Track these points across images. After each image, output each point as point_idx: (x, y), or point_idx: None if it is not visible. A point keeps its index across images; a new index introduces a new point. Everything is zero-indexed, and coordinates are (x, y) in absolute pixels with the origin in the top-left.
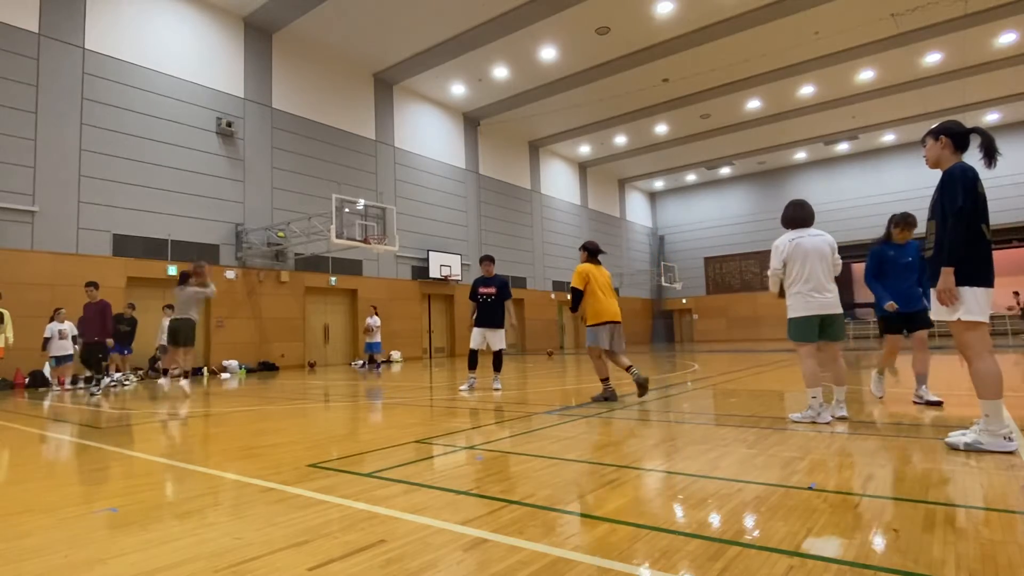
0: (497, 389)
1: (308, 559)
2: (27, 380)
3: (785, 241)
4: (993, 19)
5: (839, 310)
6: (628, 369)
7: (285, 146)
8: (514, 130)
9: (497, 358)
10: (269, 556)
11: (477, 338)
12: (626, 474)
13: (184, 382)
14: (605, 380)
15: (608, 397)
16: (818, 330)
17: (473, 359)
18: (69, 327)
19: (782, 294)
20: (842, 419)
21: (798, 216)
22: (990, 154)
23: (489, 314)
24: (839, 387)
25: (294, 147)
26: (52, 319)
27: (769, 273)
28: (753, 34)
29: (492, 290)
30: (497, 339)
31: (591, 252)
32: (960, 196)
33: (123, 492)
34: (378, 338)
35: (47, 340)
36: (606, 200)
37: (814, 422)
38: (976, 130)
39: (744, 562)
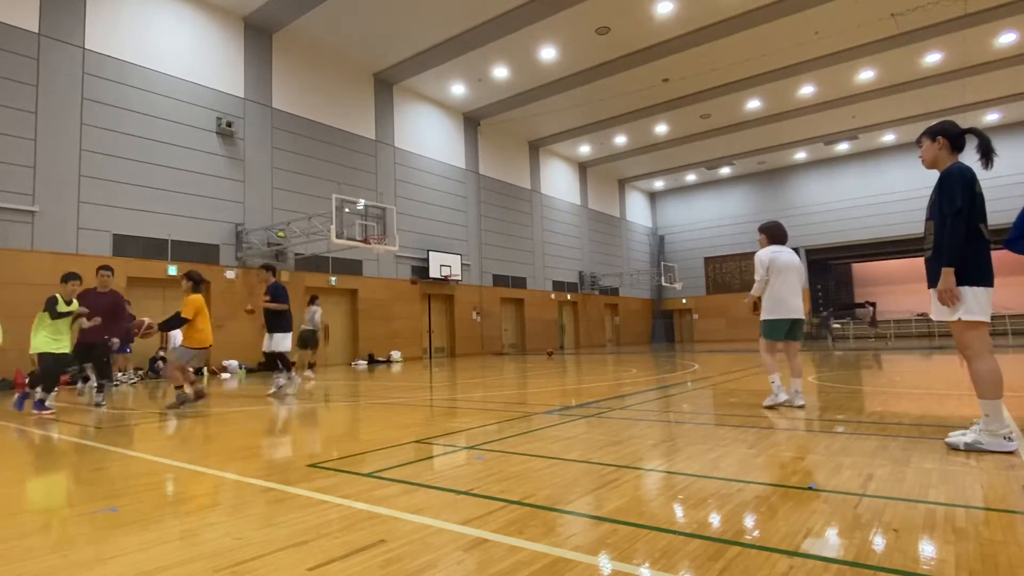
0: (282, 387)
1: (308, 559)
2: (27, 380)
3: (767, 255)
4: (993, 19)
5: (802, 316)
6: (193, 384)
7: (285, 146)
8: (514, 130)
9: (281, 359)
10: (269, 556)
11: (266, 341)
12: (626, 474)
13: (308, 372)
14: (180, 388)
15: (183, 402)
16: (785, 332)
17: (271, 360)
18: None
19: (756, 308)
20: (800, 407)
21: (778, 234)
22: (987, 154)
23: (269, 321)
24: (796, 378)
25: (294, 147)
26: None
27: (757, 279)
28: (753, 34)
29: (268, 298)
30: (276, 343)
31: (196, 282)
32: (958, 197)
33: (123, 492)
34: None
35: None
36: (606, 200)
37: (774, 403)
38: (972, 130)
39: (744, 562)
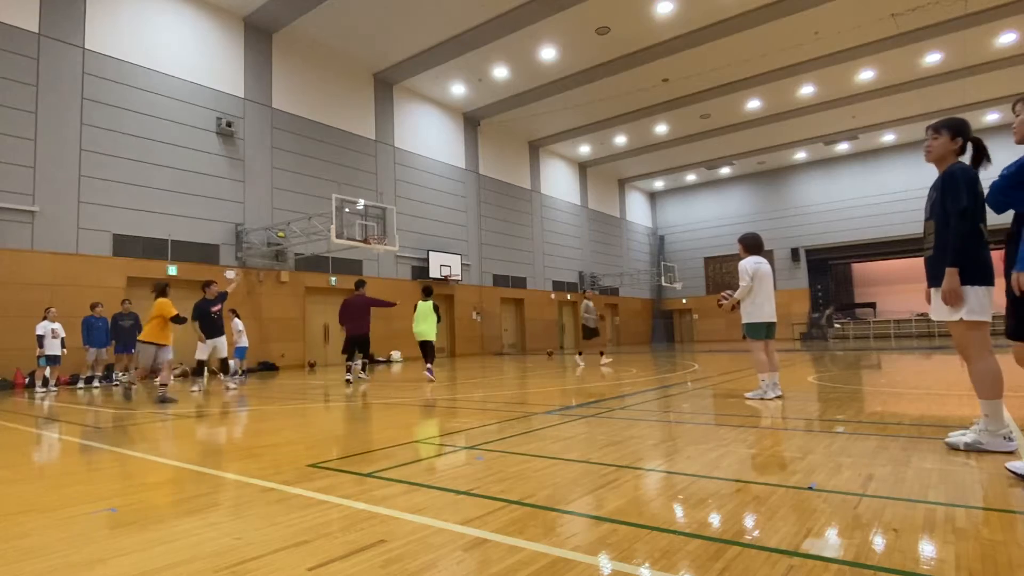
0: (234, 387)
1: (308, 559)
2: (27, 380)
3: (752, 264)
4: (993, 19)
5: (776, 319)
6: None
7: (285, 146)
8: (514, 130)
9: (225, 363)
10: (269, 556)
11: (207, 349)
12: (626, 474)
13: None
14: (166, 385)
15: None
16: (764, 332)
17: (201, 368)
18: (59, 327)
19: (734, 308)
20: (779, 397)
21: (756, 245)
22: (978, 164)
23: (219, 328)
24: (774, 372)
25: (294, 147)
26: (44, 318)
27: (743, 285)
28: (753, 34)
29: (219, 308)
30: (224, 347)
31: (161, 291)
32: (964, 196)
33: (123, 492)
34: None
35: (41, 338)
36: (606, 200)
37: (763, 398)
38: (976, 140)
39: (744, 562)
